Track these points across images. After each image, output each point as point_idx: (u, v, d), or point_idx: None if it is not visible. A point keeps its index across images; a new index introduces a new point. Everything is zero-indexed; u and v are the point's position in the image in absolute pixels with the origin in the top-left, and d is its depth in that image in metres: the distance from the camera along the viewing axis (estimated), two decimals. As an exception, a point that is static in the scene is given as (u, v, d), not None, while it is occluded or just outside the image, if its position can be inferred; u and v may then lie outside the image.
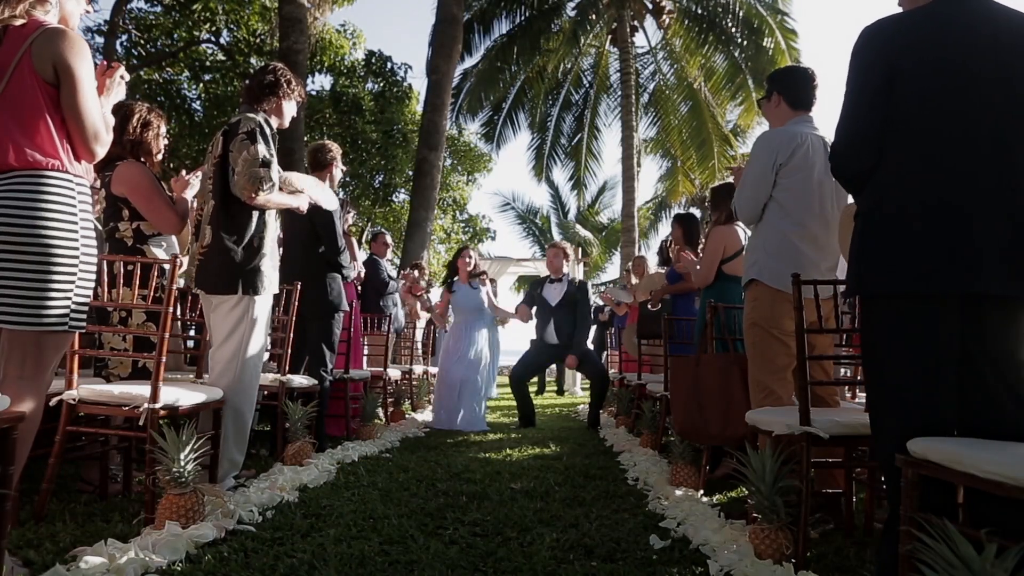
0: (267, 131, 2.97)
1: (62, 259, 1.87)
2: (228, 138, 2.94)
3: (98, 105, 1.97)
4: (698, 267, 4.10)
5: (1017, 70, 1.66)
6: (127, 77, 2.19)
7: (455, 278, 6.29)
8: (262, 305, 3.01)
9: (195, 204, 3.17)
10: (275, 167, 2.93)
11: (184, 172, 3.34)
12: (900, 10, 1.86)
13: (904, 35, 1.75)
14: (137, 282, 2.60)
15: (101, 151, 2.00)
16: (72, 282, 1.89)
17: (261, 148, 2.87)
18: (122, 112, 2.94)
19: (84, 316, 1.98)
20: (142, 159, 3.00)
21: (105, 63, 2.17)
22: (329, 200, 3.65)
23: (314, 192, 3.36)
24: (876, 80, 1.74)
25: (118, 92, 2.15)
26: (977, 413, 1.67)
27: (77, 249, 1.91)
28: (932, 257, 1.65)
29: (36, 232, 1.83)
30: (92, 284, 2.01)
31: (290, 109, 3.20)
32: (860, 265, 1.78)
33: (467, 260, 6.22)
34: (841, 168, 1.86)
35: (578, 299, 6.06)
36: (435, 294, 9.78)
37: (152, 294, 2.60)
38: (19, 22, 1.88)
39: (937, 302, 1.66)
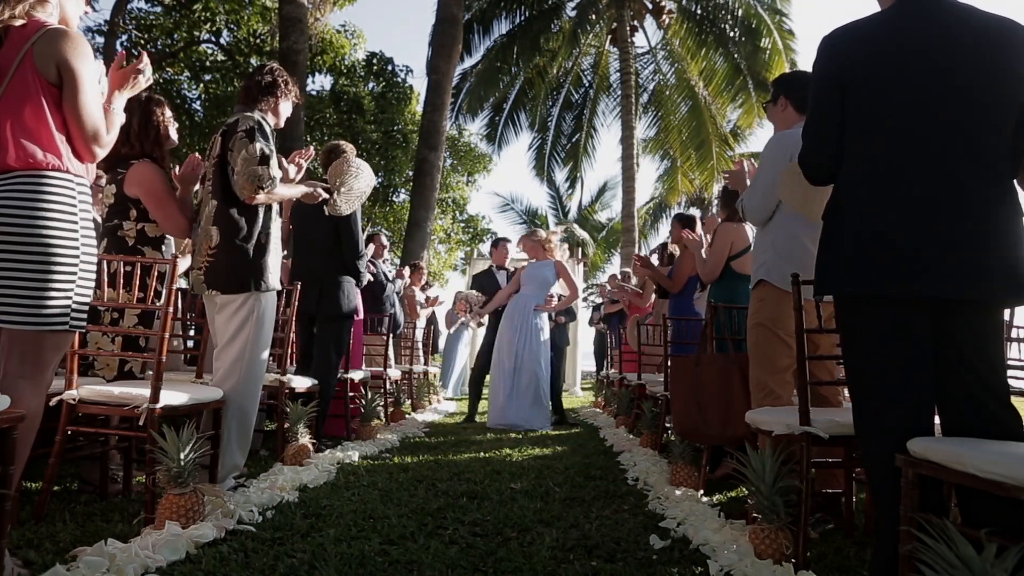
0: (266, 129, 2.98)
1: (62, 259, 1.87)
2: (226, 138, 2.94)
3: (99, 106, 1.96)
4: (704, 253, 4.13)
5: (971, 70, 1.67)
6: (148, 73, 2.18)
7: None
8: (268, 303, 3.01)
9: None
10: (274, 163, 2.93)
11: (175, 170, 3.30)
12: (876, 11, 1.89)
13: (856, 43, 1.80)
14: (137, 283, 2.60)
15: (101, 152, 1.99)
16: (72, 281, 1.89)
17: (260, 146, 2.86)
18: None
19: (85, 316, 1.98)
20: (156, 152, 2.97)
21: (123, 53, 2.16)
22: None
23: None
24: (829, 89, 1.81)
25: (137, 87, 2.15)
26: (961, 414, 1.69)
27: (77, 249, 1.90)
28: (886, 261, 1.68)
29: (36, 232, 1.83)
30: (92, 284, 2.00)
31: (286, 109, 3.21)
32: (821, 266, 1.84)
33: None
34: (808, 174, 1.94)
35: None
36: (435, 291, 9.76)
37: (151, 295, 2.59)
38: (19, 23, 1.88)
39: (902, 305, 1.69)
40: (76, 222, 1.90)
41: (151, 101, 2.98)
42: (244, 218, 2.94)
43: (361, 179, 3.69)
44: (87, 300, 1.98)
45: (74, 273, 1.90)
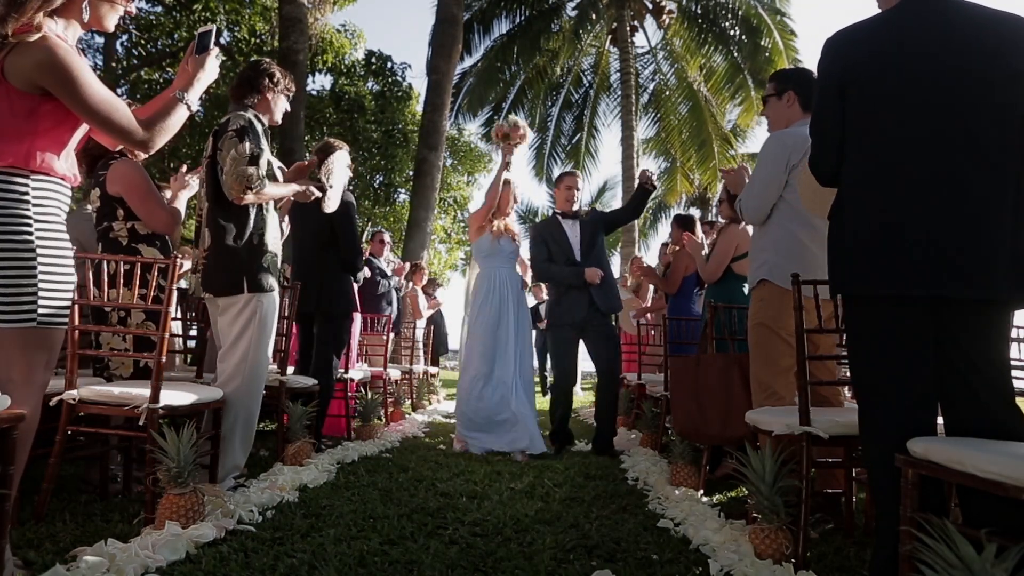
0: (257, 127, 2.92)
1: (12, 256, 1.81)
2: (217, 138, 2.92)
3: (102, 98, 1.88)
4: (705, 251, 4.15)
5: (975, 68, 1.66)
6: (217, 52, 2.18)
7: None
8: (269, 304, 3.00)
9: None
10: (264, 162, 2.88)
11: (184, 170, 3.32)
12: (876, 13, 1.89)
13: (858, 45, 1.80)
14: (137, 282, 2.60)
15: (127, 138, 1.95)
16: (32, 277, 1.83)
17: (249, 145, 2.83)
18: None
19: (63, 314, 1.93)
20: (133, 153, 2.97)
21: (193, 44, 2.14)
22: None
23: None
24: (831, 90, 1.82)
25: (210, 69, 2.15)
26: (964, 414, 1.69)
27: (31, 243, 1.83)
28: (887, 261, 1.68)
29: None
30: (67, 281, 1.94)
31: (280, 105, 3.13)
32: (832, 266, 1.85)
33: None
34: (816, 175, 1.96)
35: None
36: (439, 294, 9.75)
37: (151, 293, 2.59)
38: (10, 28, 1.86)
39: (904, 304, 1.69)
40: (29, 219, 1.84)
41: (131, 106, 2.98)
42: (235, 219, 2.92)
43: (337, 166, 3.69)
44: (63, 299, 1.93)
45: (32, 268, 1.83)
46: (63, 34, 1.88)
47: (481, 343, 4.51)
